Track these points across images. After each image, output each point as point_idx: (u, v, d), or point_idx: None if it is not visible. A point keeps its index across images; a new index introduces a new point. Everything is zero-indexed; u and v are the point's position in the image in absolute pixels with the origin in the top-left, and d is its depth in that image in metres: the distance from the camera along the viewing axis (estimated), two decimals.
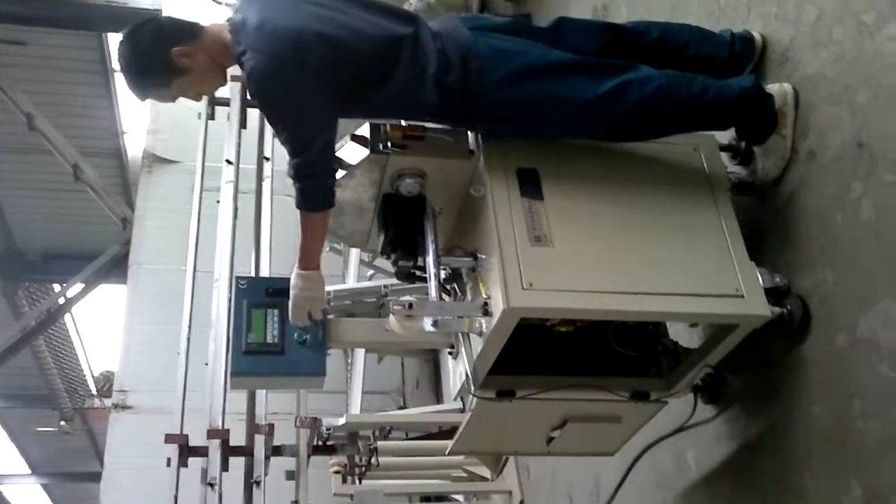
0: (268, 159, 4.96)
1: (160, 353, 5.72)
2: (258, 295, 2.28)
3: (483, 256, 2.17)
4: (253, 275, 4.49)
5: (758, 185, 2.40)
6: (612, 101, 2.18)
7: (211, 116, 5.05)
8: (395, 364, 7.14)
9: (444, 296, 2.21)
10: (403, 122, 2.24)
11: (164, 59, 2.14)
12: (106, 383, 10.97)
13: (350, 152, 2.25)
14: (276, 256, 4.49)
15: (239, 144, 4.80)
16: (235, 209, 4.56)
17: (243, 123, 4.90)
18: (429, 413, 5.09)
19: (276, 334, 2.22)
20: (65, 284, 10.08)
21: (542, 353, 2.40)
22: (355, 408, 5.23)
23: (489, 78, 2.12)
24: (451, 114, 2.18)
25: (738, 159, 2.47)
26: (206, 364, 4.30)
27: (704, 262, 2.17)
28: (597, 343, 2.48)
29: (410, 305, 2.03)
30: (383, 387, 7.01)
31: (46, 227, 10.48)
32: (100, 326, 11.79)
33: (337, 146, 2.27)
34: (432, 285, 2.11)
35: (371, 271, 6.42)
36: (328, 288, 2.37)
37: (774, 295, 2.19)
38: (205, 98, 5.05)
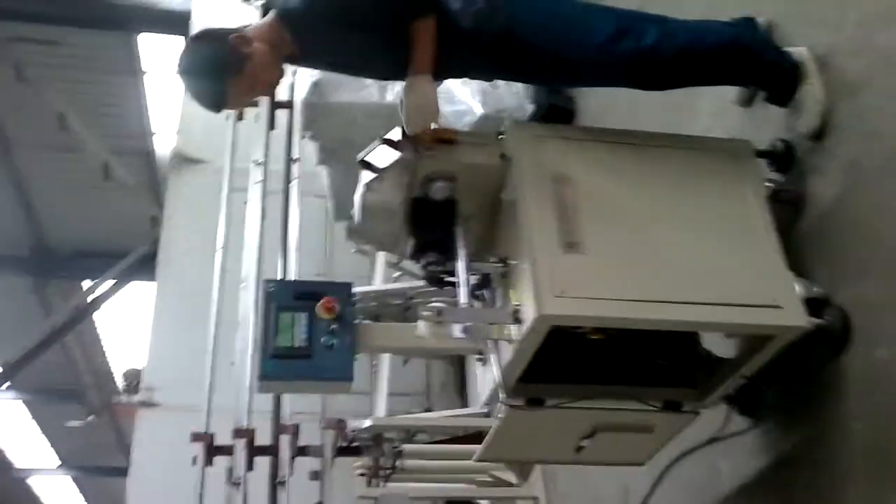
0: (296, 160, 5.02)
1: (187, 351, 5.63)
2: (286, 298, 2.26)
3: (514, 262, 2.13)
4: (280, 277, 4.56)
5: (797, 193, 2.34)
6: (630, 39, 2.21)
7: (239, 117, 5.10)
8: (420, 366, 7.11)
9: (474, 302, 2.17)
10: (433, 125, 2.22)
11: (229, 47, 2.16)
12: (133, 380, 11.11)
13: (380, 155, 2.23)
14: (303, 257, 4.62)
15: (268, 145, 4.93)
16: (263, 210, 4.63)
17: (272, 124, 5.03)
18: (455, 417, 5.04)
19: (303, 338, 2.20)
20: (94, 282, 10.25)
21: (572, 361, 2.35)
22: (381, 410, 5.21)
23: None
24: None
25: (775, 166, 2.41)
26: (233, 363, 4.35)
27: (741, 271, 2.12)
28: (629, 351, 2.43)
29: (440, 312, 2.00)
30: (408, 389, 6.98)
31: (76, 226, 10.61)
32: (129, 323, 11.90)
33: (365, 150, 2.26)
34: (463, 291, 2.08)
35: (397, 272, 6.41)
36: (355, 289, 2.35)
37: (813, 306, 2.13)
38: None
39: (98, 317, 11.48)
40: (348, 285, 2.32)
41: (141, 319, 9.48)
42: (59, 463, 14.39)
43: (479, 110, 4.40)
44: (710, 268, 2.12)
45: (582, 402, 2.35)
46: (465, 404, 6.06)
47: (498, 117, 4.16)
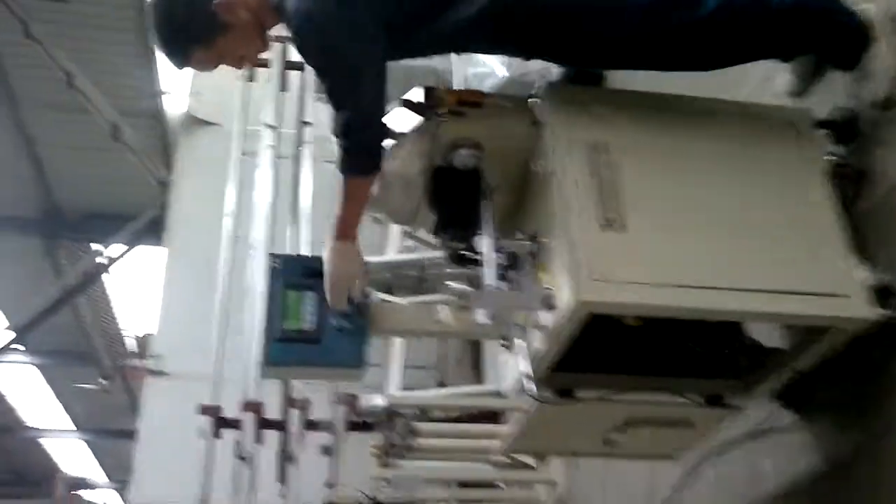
0: (308, 124, 4.81)
1: (198, 318, 5.34)
2: (294, 275, 2.06)
3: (545, 240, 1.92)
4: (289, 248, 4.38)
5: (860, 168, 2.11)
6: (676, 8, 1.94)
7: (251, 78, 4.89)
8: (434, 339, 6.95)
9: (501, 284, 1.96)
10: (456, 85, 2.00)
11: (208, 12, 1.93)
12: (145, 346, 11.07)
13: (399, 119, 2.01)
14: (315, 225, 4.33)
15: (279, 108, 4.70)
16: (276, 175, 4.42)
17: (284, 86, 4.80)
18: (471, 396, 4.87)
19: (313, 320, 2.00)
20: (104, 245, 10.12)
21: (606, 348, 2.15)
22: (394, 385, 5.04)
23: None
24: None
25: (836, 137, 2.17)
26: (242, 333, 4.19)
27: (799, 255, 1.90)
28: (666, 338, 2.23)
29: (465, 296, 1.79)
30: (422, 361, 6.81)
31: (86, 188, 10.38)
32: (140, 287, 11.85)
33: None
34: (489, 272, 1.87)
35: (411, 241, 6.21)
36: (368, 259, 2.16)
37: (880, 295, 1.90)
38: None
39: (109, 280, 11.32)
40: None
41: (152, 284, 9.43)
42: (73, 426, 14.43)
43: (502, 72, 4.14)
44: (765, 251, 1.90)
45: (615, 393, 2.17)
46: (480, 380, 5.87)
47: (523, 81, 3.92)
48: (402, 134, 1.99)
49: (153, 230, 8.97)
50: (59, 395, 13.71)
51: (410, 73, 3.02)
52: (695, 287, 1.82)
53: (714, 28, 1.98)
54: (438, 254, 5.64)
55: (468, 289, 1.82)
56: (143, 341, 11.03)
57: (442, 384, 6.74)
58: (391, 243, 6.06)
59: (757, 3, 2.03)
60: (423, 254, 5.70)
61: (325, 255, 2.00)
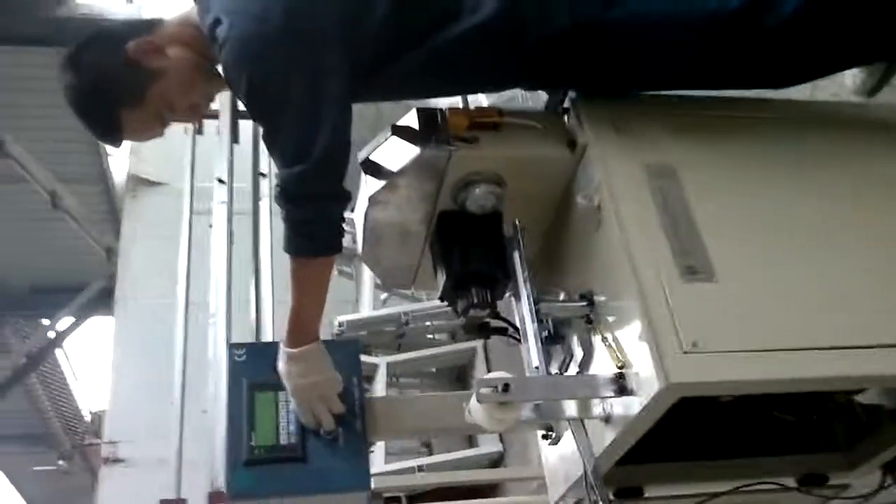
0: (264, 175, 4.46)
1: (153, 396, 5.26)
2: (262, 370, 1.52)
3: (602, 299, 1.42)
4: (252, 313, 3.94)
5: None
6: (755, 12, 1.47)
7: (199, 131, 4.61)
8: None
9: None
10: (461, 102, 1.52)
11: (125, 63, 1.48)
12: (100, 424, 10.57)
13: (391, 153, 1.51)
14: (280, 286, 3.80)
15: (231, 161, 4.35)
16: (230, 233, 4.06)
17: (235, 137, 4.47)
18: (469, 460, 4.36)
19: (292, 431, 1.47)
20: (52, 319, 9.59)
21: (677, 429, 1.66)
22: (379, 457, 4.47)
23: None
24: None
25: None
26: (205, 411, 3.75)
27: None
28: (750, 409, 1.74)
29: (507, 386, 1.27)
30: None
31: (30, 260, 9.84)
32: (95, 360, 11.38)
33: (369, 145, 1.55)
34: (533, 349, 1.36)
35: (384, 294, 5.71)
36: (340, 318, 1.63)
37: None
38: None
39: (62, 355, 10.88)
40: (355, 343, 1.61)
41: (105, 356, 8.97)
42: None
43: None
44: (888, 291, 1.42)
45: (689, 485, 1.68)
46: (472, 442, 5.31)
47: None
48: (398, 172, 1.49)
49: (104, 301, 8.52)
50: (13, 481, 12.98)
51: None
52: (817, 349, 1.33)
53: (800, 29, 1.51)
54: (415, 307, 5.14)
55: (505, 376, 1.31)
56: (96, 420, 10.46)
57: (428, 445, 6.13)
58: (364, 298, 5.57)
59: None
60: (398, 308, 5.26)
61: (281, 366, 1.49)
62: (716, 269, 1.37)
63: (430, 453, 5.19)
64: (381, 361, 5.01)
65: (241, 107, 4.64)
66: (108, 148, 8.78)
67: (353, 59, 1.43)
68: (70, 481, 12.52)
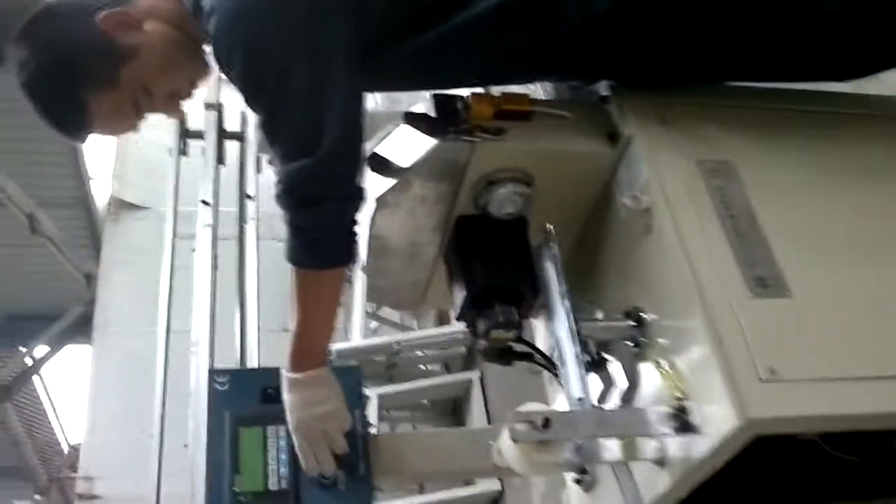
0: (251, 198, 4.36)
1: (132, 430, 4.99)
2: (248, 401, 1.29)
3: (654, 317, 1.20)
4: (237, 341, 3.81)
5: None
6: None
7: (183, 152, 4.48)
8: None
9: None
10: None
11: (95, 35, 1.25)
12: (77, 457, 10.38)
13: (401, 146, 1.30)
14: (266, 314, 3.88)
15: (217, 182, 4.24)
16: (215, 258, 3.94)
17: (220, 158, 4.39)
18: (463, 499, 4.10)
19: (282, 474, 1.23)
20: (29, 347, 9.33)
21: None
22: None
23: None
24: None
25: None
26: (186, 446, 3.57)
27: None
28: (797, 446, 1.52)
29: (548, 422, 1.04)
30: None
31: (7, 286, 9.61)
32: (72, 390, 11.15)
33: (376, 137, 1.34)
34: (575, 378, 1.13)
35: (374, 323, 5.51)
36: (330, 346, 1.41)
37: None
38: (174, 132, 4.49)
39: (39, 384, 10.63)
40: (356, 371, 1.37)
41: (83, 386, 8.75)
42: None
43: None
44: None
45: None
46: (468, 480, 5.04)
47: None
48: (409, 168, 1.27)
49: (81, 328, 8.26)
50: None
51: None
52: None
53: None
54: (406, 336, 4.93)
55: (545, 409, 1.08)
56: (73, 453, 10.21)
57: (420, 483, 5.84)
58: (354, 326, 5.36)
59: None
60: (390, 337, 5.06)
61: (285, 395, 1.26)
62: (789, 281, 1.15)
63: (422, 492, 4.93)
64: (373, 393, 4.81)
65: (226, 126, 4.54)
66: (90, 170, 8.59)
67: (359, 34, 1.22)
68: None
